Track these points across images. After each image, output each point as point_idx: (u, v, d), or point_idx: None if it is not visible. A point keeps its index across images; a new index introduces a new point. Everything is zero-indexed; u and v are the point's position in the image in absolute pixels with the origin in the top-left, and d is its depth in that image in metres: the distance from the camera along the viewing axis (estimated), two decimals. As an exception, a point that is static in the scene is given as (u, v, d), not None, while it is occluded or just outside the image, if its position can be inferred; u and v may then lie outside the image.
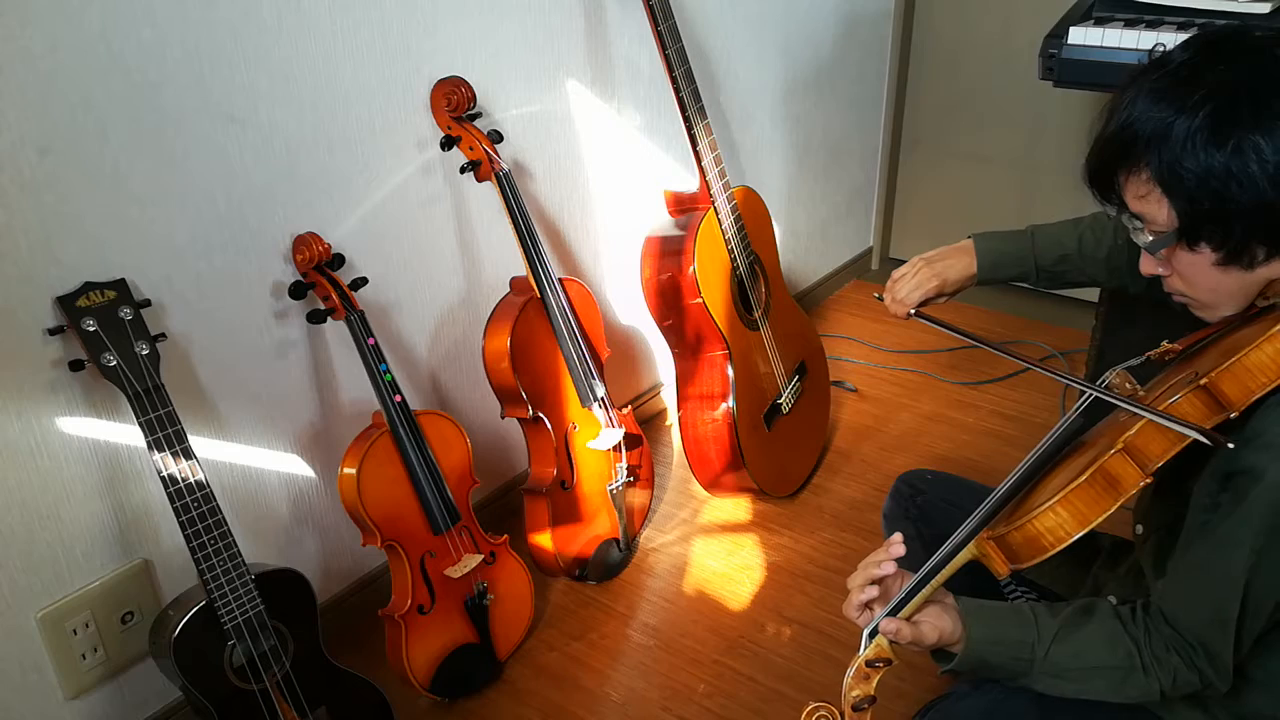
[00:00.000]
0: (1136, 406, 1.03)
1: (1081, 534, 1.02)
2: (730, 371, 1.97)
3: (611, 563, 2.00)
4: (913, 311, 1.42)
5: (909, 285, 1.44)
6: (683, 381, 2.05)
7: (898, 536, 1.15)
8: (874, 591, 1.14)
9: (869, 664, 1.11)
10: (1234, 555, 1.00)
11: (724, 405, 1.99)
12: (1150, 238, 1.03)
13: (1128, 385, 1.11)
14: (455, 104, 1.68)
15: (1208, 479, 1.04)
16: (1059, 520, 1.03)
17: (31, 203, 1.27)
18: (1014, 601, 1.24)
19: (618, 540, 1.99)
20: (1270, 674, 1.08)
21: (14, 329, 1.29)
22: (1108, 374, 1.13)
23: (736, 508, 2.18)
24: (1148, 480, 1.01)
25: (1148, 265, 1.08)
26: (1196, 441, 1.00)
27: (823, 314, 2.99)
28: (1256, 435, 0.98)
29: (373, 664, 1.62)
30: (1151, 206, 1.01)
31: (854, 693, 1.10)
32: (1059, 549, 1.04)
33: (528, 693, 1.74)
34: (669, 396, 2.49)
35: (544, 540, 1.85)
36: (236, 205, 1.49)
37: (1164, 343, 1.14)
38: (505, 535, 1.75)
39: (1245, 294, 1.03)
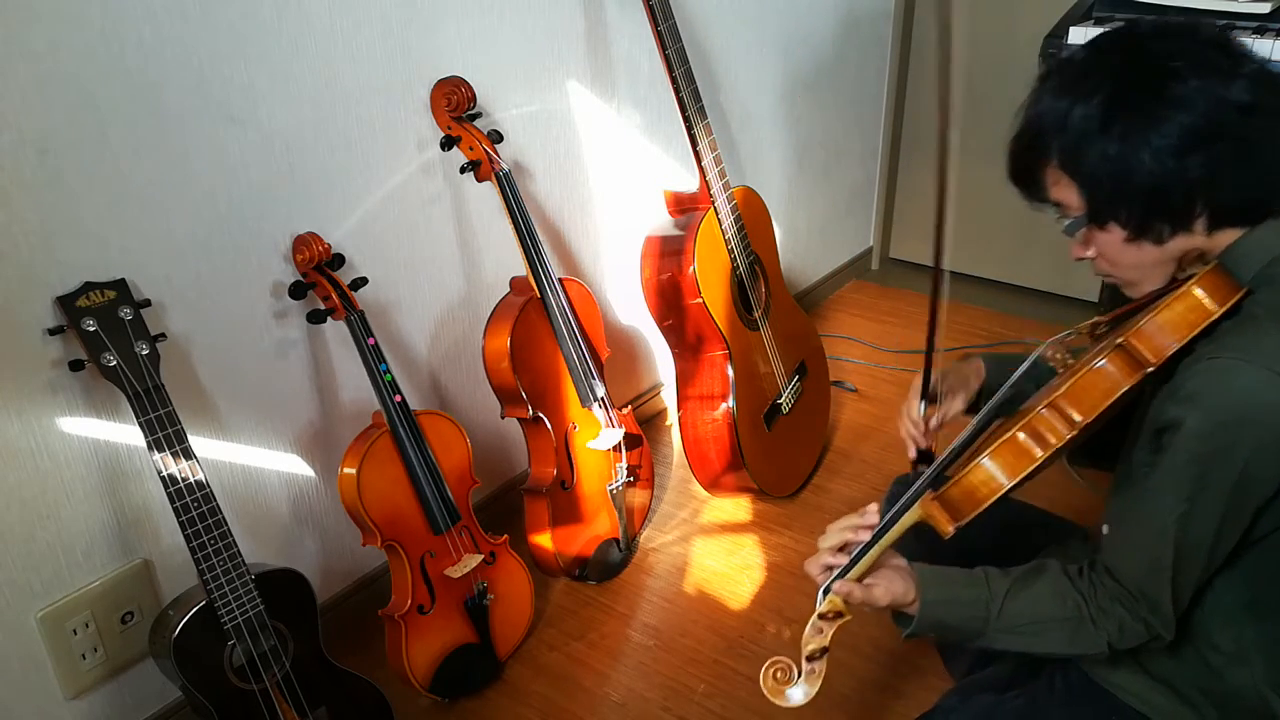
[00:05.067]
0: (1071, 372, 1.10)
1: (1013, 484, 1.08)
2: (730, 371, 1.97)
3: (611, 563, 2.00)
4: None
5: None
6: (683, 381, 2.05)
7: (873, 507, 1.21)
8: (842, 559, 1.20)
9: (822, 617, 1.19)
10: (1163, 505, 1.05)
11: (724, 405, 1.99)
12: (1068, 222, 1.10)
13: (1058, 355, 1.18)
14: (455, 104, 1.68)
15: (1143, 444, 1.10)
16: (992, 471, 1.09)
17: (31, 203, 1.27)
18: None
19: (618, 540, 1.99)
20: (1243, 643, 1.11)
21: (14, 329, 1.29)
22: (1042, 346, 1.20)
23: (736, 508, 2.18)
24: (1074, 434, 1.06)
25: (1076, 250, 1.15)
26: (1128, 409, 1.06)
27: (823, 314, 2.99)
28: (1176, 390, 1.03)
29: (373, 664, 1.62)
30: (1064, 192, 1.08)
31: (809, 646, 1.18)
32: (994, 499, 1.09)
33: (528, 693, 1.74)
34: (669, 396, 2.49)
35: (544, 540, 1.85)
36: (236, 205, 1.49)
37: (1095, 317, 1.22)
38: (505, 535, 1.75)
39: (1163, 268, 1.09)
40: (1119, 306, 1.18)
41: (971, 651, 1.47)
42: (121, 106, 1.33)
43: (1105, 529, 1.19)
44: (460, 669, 1.69)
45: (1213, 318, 1.02)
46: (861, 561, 1.17)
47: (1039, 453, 1.07)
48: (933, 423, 1.36)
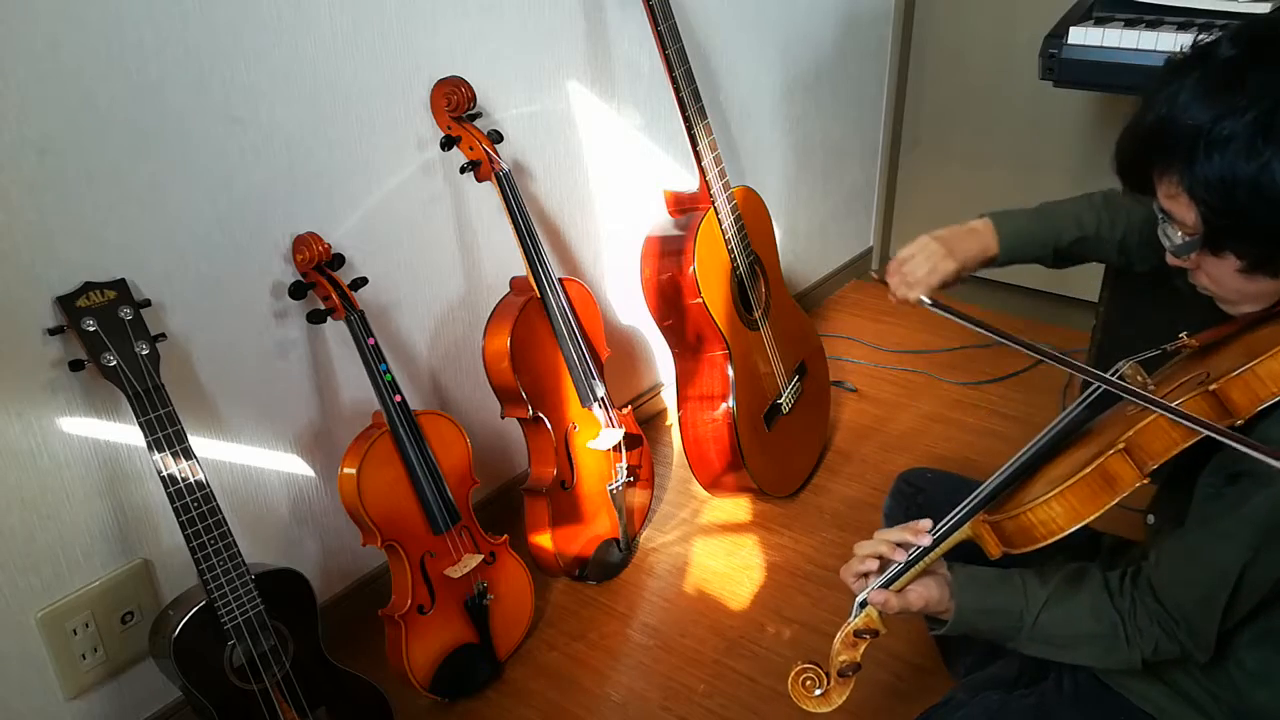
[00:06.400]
0: (1149, 401, 1.03)
1: (1074, 529, 1.04)
2: (730, 371, 1.97)
3: (611, 563, 2.00)
4: (926, 300, 1.26)
5: (922, 266, 1.29)
6: (683, 381, 2.05)
7: (926, 524, 1.16)
8: (873, 565, 1.17)
9: (857, 633, 1.15)
10: (1230, 550, 1.02)
11: (724, 405, 1.99)
12: (1178, 239, 1.01)
13: (1138, 378, 1.10)
14: (455, 104, 1.68)
15: (1212, 471, 1.06)
16: (1053, 514, 1.04)
17: (31, 203, 1.27)
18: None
19: (618, 540, 1.99)
20: (1270, 665, 1.10)
21: (14, 329, 1.29)
22: (1120, 364, 1.13)
23: (736, 508, 2.18)
24: (1144, 481, 1.01)
25: (1174, 260, 1.06)
26: (1200, 440, 1.00)
27: (823, 314, 2.99)
28: (1264, 439, 0.97)
29: (373, 664, 1.62)
30: (1180, 209, 0.98)
31: (841, 658, 1.15)
32: (1051, 540, 1.05)
33: (528, 693, 1.74)
34: (669, 396, 2.49)
35: (544, 540, 1.85)
36: (237, 205, 1.49)
37: (1182, 335, 1.13)
38: (505, 535, 1.75)
39: (1271, 296, 1.02)
40: (1203, 323, 1.11)
41: (973, 652, 1.47)
42: (121, 106, 1.33)
43: (1150, 519, 1.17)
44: (460, 669, 1.69)
45: None
46: (904, 576, 1.15)
47: (1108, 498, 1.02)
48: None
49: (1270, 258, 0.96)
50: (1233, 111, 0.91)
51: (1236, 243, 0.97)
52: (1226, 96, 0.91)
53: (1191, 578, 1.07)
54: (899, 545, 1.16)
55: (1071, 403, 1.20)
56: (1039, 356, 1.14)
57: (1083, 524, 1.03)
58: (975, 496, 1.15)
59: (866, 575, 1.18)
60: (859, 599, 1.17)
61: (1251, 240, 0.96)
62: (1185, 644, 1.08)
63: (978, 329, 1.16)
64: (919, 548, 1.14)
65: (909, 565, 1.15)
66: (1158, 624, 1.09)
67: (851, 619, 1.16)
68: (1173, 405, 0.99)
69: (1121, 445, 1.01)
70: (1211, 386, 0.98)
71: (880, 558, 1.18)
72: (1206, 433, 0.98)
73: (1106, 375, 1.08)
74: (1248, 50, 0.93)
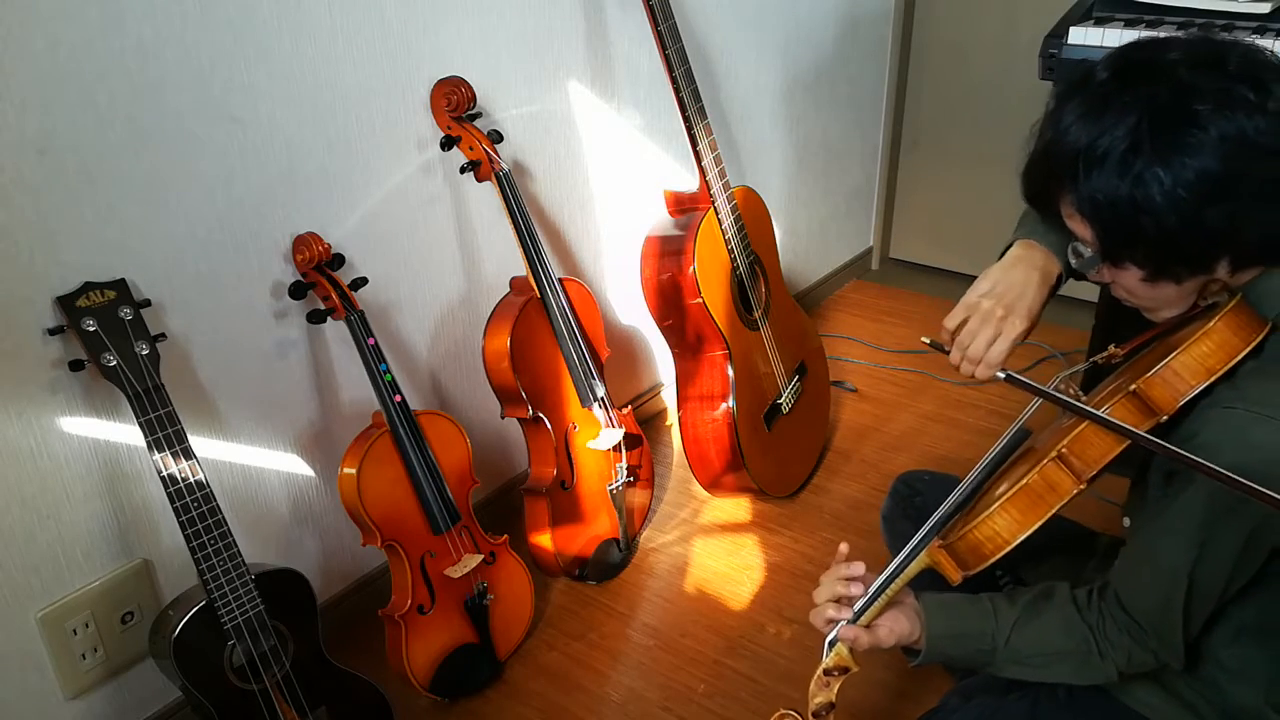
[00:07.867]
0: (1075, 409, 1.04)
1: (1022, 538, 1.05)
2: (730, 371, 1.97)
3: (611, 563, 2.00)
4: (1001, 376, 1.13)
5: (983, 336, 1.16)
6: (683, 381, 2.05)
7: (843, 548, 1.21)
8: (846, 611, 1.17)
9: (826, 672, 1.17)
10: (1176, 548, 1.03)
11: (724, 405, 1.99)
12: (1087, 253, 1.05)
13: (1070, 391, 1.12)
14: (455, 104, 1.68)
15: (1155, 471, 1.08)
16: (997, 528, 1.06)
17: (31, 203, 1.27)
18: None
19: (618, 540, 1.99)
20: (1247, 662, 1.11)
21: (14, 329, 1.29)
22: (1054, 379, 1.15)
23: (736, 508, 2.18)
24: (1082, 487, 1.03)
25: (1093, 275, 1.10)
26: (1135, 445, 1.01)
27: (823, 314, 2.99)
28: (1191, 436, 0.99)
29: (373, 664, 1.62)
30: (1079, 226, 1.03)
31: (816, 700, 1.17)
32: (1002, 554, 1.07)
33: (528, 693, 1.74)
34: (669, 396, 2.49)
35: (544, 540, 1.85)
36: (236, 205, 1.49)
37: (1110, 347, 1.16)
38: (505, 535, 1.75)
39: (1184, 298, 1.06)
40: (1136, 334, 1.13)
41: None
42: (121, 106, 1.33)
43: (1126, 521, 1.18)
44: (460, 669, 1.69)
45: (1233, 362, 0.98)
46: (872, 608, 1.16)
47: (1047, 507, 1.04)
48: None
49: (1165, 266, 1.00)
50: (1106, 131, 0.95)
51: (1131, 254, 1.01)
52: (1101, 117, 0.96)
53: (1148, 582, 1.08)
54: (849, 579, 1.18)
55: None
56: (1125, 434, 1.04)
57: (1028, 533, 1.05)
58: (928, 524, 1.16)
59: (834, 620, 1.19)
60: (828, 638, 1.18)
61: (1144, 251, 1.00)
62: (1157, 652, 1.09)
63: (1060, 403, 1.09)
64: (882, 581, 1.16)
65: (874, 598, 1.16)
66: (1127, 634, 1.10)
67: (823, 659, 1.18)
68: (1099, 412, 1.01)
69: (1055, 454, 1.03)
70: (1132, 387, 1.01)
71: (840, 599, 1.18)
72: (1122, 433, 1.00)
73: (1048, 389, 1.09)
74: (1115, 75, 0.98)
